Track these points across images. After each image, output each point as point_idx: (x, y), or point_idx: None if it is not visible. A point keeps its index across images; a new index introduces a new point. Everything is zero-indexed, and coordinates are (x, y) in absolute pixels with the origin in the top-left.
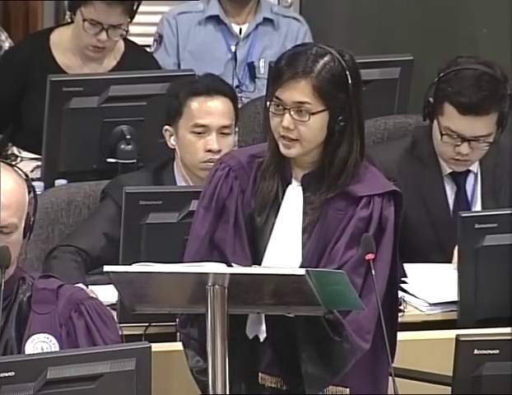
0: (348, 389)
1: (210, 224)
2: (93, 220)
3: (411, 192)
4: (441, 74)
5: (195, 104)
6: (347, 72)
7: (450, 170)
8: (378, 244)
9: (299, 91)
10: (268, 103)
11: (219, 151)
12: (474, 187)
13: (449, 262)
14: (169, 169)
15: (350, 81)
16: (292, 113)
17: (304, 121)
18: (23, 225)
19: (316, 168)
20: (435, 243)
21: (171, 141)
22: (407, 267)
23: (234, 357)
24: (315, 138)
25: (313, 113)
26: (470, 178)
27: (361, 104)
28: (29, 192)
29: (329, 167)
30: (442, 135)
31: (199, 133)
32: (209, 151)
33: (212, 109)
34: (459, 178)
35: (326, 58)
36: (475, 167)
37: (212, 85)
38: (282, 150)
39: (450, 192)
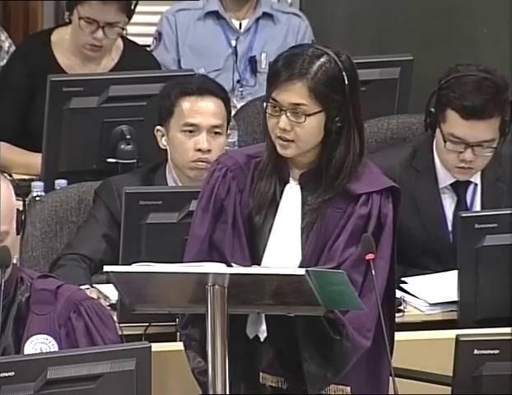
0: (349, 388)
1: (208, 225)
2: (89, 224)
3: (406, 201)
4: (442, 82)
5: (186, 103)
6: (344, 73)
7: (450, 181)
8: (377, 242)
9: (295, 93)
10: (265, 104)
11: (209, 150)
12: (473, 197)
13: (444, 269)
14: (160, 171)
15: (346, 82)
16: (288, 114)
17: (301, 122)
18: (14, 225)
19: (314, 167)
20: (429, 251)
21: (162, 142)
22: (410, 280)
23: (234, 357)
24: (312, 139)
25: (309, 115)
26: (470, 189)
27: (359, 104)
28: (16, 193)
29: (327, 168)
30: (445, 142)
31: (190, 132)
32: (199, 150)
33: (203, 109)
34: (460, 188)
35: (322, 59)
36: (476, 178)
37: (204, 86)
38: (279, 150)
39: (450, 202)
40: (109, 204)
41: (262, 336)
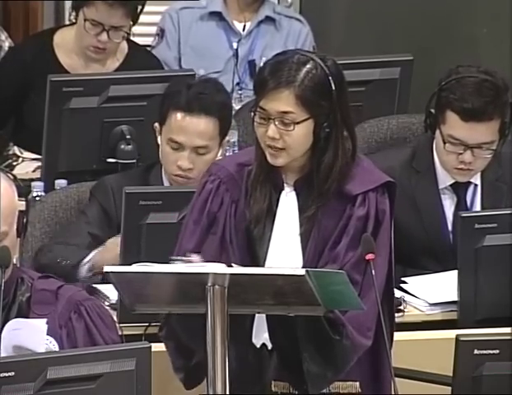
0: (358, 383)
1: (198, 239)
2: (78, 220)
3: (406, 202)
4: (442, 83)
5: (176, 117)
6: (330, 78)
7: (450, 182)
8: (375, 239)
9: (282, 101)
10: (253, 113)
11: (190, 168)
12: (473, 198)
13: (444, 269)
14: (156, 170)
15: (333, 88)
16: (277, 123)
17: (289, 130)
18: (15, 227)
19: (307, 172)
20: (429, 252)
21: (159, 140)
22: (410, 280)
23: (245, 367)
24: (301, 146)
25: (297, 123)
26: (470, 190)
27: (347, 108)
28: (19, 194)
29: (317, 173)
30: (445, 143)
31: (174, 148)
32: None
33: (189, 128)
34: (460, 189)
35: (308, 66)
36: (476, 179)
37: (197, 102)
38: (269, 159)
39: (450, 203)
40: (104, 203)
41: (270, 344)
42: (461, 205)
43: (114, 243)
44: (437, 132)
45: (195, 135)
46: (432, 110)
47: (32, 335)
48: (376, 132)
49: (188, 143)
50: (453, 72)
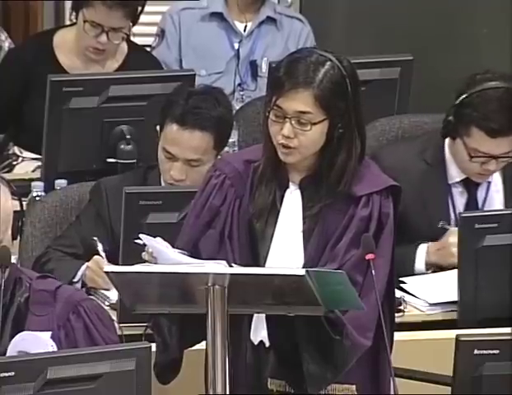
0: (354, 386)
1: (197, 232)
2: (74, 225)
3: (413, 196)
4: (463, 96)
5: (171, 128)
6: (347, 80)
7: (459, 178)
8: (378, 241)
9: (301, 101)
10: (267, 110)
11: (182, 179)
12: (486, 194)
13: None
14: (156, 172)
15: (349, 89)
16: (293, 122)
17: (306, 130)
18: (9, 232)
19: (313, 171)
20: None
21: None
22: (410, 280)
23: (242, 365)
24: (314, 146)
25: (314, 123)
26: (482, 186)
27: (360, 109)
28: (12, 193)
29: (328, 174)
30: (471, 157)
31: (167, 157)
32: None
33: (182, 141)
34: (471, 186)
35: (326, 66)
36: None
37: (193, 115)
38: (282, 157)
39: (460, 199)
40: (98, 206)
41: (267, 341)
42: (472, 201)
43: (96, 263)
44: (458, 141)
45: (188, 149)
46: (451, 118)
47: (38, 345)
48: (388, 131)
49: (180, 155)
50: (472, 82)
